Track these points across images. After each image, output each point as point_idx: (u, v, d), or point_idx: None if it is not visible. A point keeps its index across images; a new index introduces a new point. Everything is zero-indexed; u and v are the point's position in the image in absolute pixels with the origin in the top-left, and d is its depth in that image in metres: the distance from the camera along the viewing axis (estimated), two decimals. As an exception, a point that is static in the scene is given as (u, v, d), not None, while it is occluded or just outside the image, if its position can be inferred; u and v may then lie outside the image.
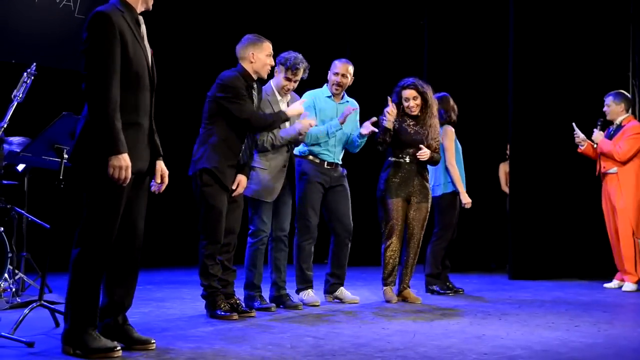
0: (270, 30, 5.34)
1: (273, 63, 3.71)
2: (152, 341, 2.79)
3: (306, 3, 7.90)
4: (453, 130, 4.75)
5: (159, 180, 2.89)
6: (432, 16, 7.34)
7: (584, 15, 6.38)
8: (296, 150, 4.27)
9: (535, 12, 6.38)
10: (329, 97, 4.32)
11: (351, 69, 4.33)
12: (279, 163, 3.94)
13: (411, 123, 4.38)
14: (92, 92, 2.45)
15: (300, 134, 3.92)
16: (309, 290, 4.20)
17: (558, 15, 6.40)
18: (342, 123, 4.17)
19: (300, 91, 4.25)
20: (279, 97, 4.00)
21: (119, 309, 2.76)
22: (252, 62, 3.60)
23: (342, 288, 4.35)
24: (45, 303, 3.16)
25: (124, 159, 2.53)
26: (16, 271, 4.10)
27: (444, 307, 4.31)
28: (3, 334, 2.69)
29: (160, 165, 2.87)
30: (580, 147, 5.37)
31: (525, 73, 6.34)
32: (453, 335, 3.27)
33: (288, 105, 3.99)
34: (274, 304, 3.91)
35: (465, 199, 4.86)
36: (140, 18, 2.72)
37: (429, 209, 4.50)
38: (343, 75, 4.27)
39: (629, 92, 5.81)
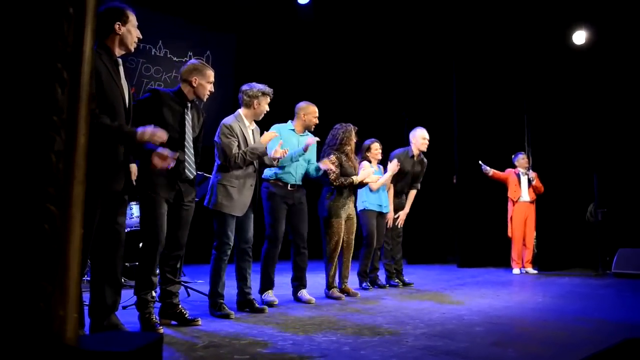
0: (307, 81, 6.36)
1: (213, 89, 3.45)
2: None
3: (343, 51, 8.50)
4: (369, 164, 5.13)
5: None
6: (459, 60, 7.87)
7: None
8: (265, 174, 4.34)
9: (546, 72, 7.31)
10: (292, 130, 4.48)
11: None
12: (247, 182, 3.90)
13: (346, 160, 4.67)
14: None
15: (274, 159, 3.96)
16: (270, 291, 4.25)
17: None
18: (305, 150, 4.27)
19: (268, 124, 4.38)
20: (247, 124, 3.96)
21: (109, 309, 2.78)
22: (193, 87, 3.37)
23: (303, 290, 4.46)
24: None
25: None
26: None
27: (415, 289, 5.14)
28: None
29: (133, 167, 3.03)
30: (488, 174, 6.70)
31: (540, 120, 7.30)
32: (424, 302, 4.16)
33: (253, 132, 3.98)
34: (232, 312, 3.70)
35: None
36: (119, 60, 2.75)
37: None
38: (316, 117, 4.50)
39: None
